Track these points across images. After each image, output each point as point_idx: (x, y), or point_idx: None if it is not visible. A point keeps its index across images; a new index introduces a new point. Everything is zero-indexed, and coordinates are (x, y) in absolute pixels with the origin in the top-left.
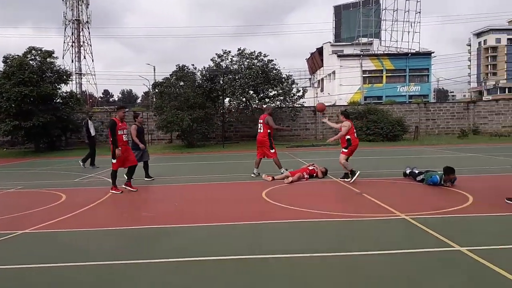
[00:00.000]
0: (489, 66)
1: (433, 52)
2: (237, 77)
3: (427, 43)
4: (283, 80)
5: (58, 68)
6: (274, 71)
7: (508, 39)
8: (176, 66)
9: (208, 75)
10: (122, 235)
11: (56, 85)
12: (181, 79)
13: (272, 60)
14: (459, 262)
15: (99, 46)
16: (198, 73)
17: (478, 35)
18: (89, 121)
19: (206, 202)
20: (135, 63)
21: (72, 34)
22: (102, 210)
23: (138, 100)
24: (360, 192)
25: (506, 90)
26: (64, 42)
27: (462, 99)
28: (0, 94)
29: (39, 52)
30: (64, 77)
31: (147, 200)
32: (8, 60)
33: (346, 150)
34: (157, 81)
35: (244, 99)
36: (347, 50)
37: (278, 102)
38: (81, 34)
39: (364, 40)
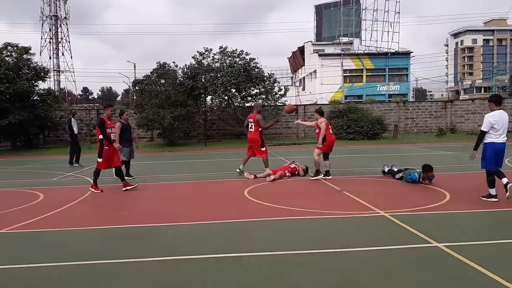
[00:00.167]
0: (465, 66)
1: (411, 52)
2: (219, 75)
3: (406, 43)
4: (265, 78)
5: (35, 64)
6: (256, 70)
7: (484, 39)
8: (157, 63)
9: (189, 73)
10: (101, 234)
11: (33, 82)
12: (162, 76)
13: (254, 59)
14: (437, 258)
15: (78, 42)
16: (180, 71)
17: (455, 35)
18: (72, 119)
19: (187, 201)
20: (115, 60)
21: (50, 30)
22: (81, 210)
23: (118, 98)
24: (341, 189)
25: (482, 89)
26: (41, 38)
27: (440, 98)
28: None
29: (15, 48)
30: (42, 74)
31: (127, 199)
32: None
33: (321, 146)
34: (137, 78)
35: (226, 97)
36: (328, 49)
37: (260, 101)
38: (59, 30)
39: (345, 39)
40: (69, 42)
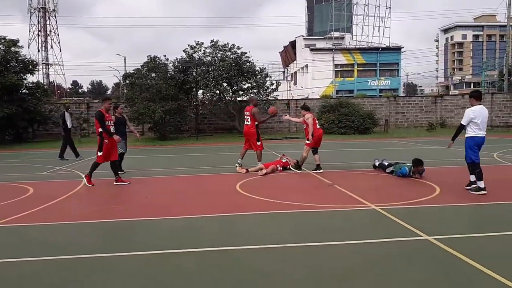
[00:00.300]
0: (455, 62)
1: (402, 47)
2: (210, 69)
3: (397, 38)
4: (257, 73)
5: (23, 57)
6: (248, 64)
7: (473, 35)
8: (148, 57)
9: (180, 67)
10: (91, 228)
11: (22, 75)
12: (152, 70)
13: (245, 53)
14: (427, 251)
15: (67, 35)
16: (171, 65)
17: (445, 31)
18: (65, 113)
19: (179, 195)
20: (105, 53)
21: (38, 22)
22: (71, 204)
23: (109, 92)
24: (332, 183)
25: (472, 85)
26: (29, 31)
27: (430, 93)
28: None
29: (2, 40)
30: (30, 67)
31: (118, 193)
32: None
33: (309, 142)
34: (128, 72)
35: (217, 91)
36: (320, 44)
37: (252, 95)
38: (47, 22)
39: (336, 34)
40: (58, 34)
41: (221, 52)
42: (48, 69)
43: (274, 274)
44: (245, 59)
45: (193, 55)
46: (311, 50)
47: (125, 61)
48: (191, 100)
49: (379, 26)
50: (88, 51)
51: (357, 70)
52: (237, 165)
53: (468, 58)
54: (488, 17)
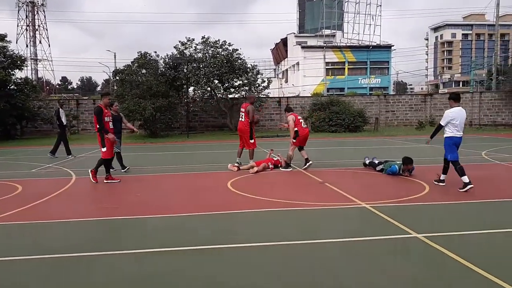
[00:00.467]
0: (445, 60)
1: (393, 45)
2: (201, 66)
3: (387, 36)
4: (248, 70)
5: (11, 53)
6: (239, 61)
7: (463, 34)
8: (138, 53)
9: (171, 63)
10: (82, 227)
11: (10, 70)
12: (143, 66)
13: (237, 50)
14: (416, 248)
15: (56, 30)
16: (161, 61)
17: (435, 29)
18: (60, 109)
19: (170, 193)
20: (95, 49)
21: (26, 17)
22: (61, 202)
23: (98, 88)
24: (322, 181)
25: (461, 83)
26: (17, 26)
27: (419, 91)
28: None
29: None
30: (18, 62)
31: (108, 191)
32: None
33: (295, 141)
34: (118, 68)
35: (209, 88)
36: (311, 42)
37: (243, 92)
38: (36, 17)
39: (327, 32)
40: (47, 29)
41: (212, 49)
42: (37, 64)
43: (264, 271)
44: (237, 56)
45: (184, 51)
46: (302, 47)
47: (115, 57)
48: (182, 97)
49: (370, 24)
50: (77, 47)
51: (348, 68)
52: (236, 164)
53: (457, 57)
54: (477, 16)
